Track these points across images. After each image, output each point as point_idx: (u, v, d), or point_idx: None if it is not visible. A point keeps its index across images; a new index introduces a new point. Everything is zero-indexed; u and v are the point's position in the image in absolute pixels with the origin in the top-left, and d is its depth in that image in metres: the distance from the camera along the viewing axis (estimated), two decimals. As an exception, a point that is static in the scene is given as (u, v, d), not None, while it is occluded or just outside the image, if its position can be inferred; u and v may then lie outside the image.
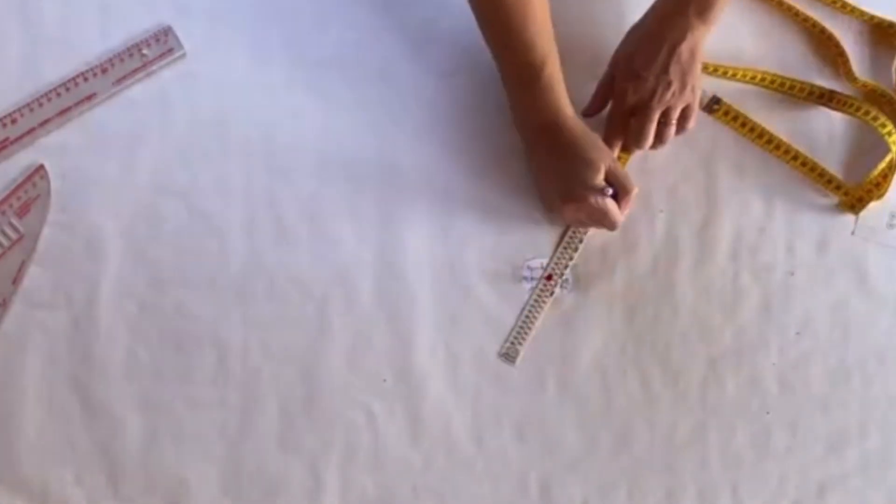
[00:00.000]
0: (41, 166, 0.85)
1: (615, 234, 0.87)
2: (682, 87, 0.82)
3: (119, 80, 0.86)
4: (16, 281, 0.84)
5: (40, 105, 0.85)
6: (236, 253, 0.85)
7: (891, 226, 0.89)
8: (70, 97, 0.85)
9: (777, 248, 0.88)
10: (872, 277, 0.88)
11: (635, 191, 0.82)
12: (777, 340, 0.87)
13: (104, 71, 0.86)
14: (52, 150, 0.85)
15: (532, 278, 0.86)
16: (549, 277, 0.86)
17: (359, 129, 0.87)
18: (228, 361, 0.84)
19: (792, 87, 0.89)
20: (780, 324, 0.87)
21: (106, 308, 0.84)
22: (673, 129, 0.84)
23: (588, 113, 0.87)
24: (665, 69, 0.81)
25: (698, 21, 0.81)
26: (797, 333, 0.87)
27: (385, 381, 0.85)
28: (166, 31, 0.86)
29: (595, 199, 0.81)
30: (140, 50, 0.86)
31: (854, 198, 0.88)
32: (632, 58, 0.83)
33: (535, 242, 0.87)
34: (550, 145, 0.83)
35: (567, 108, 0.82)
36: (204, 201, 0.86)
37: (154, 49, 0.86)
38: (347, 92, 0.88)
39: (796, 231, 0.88)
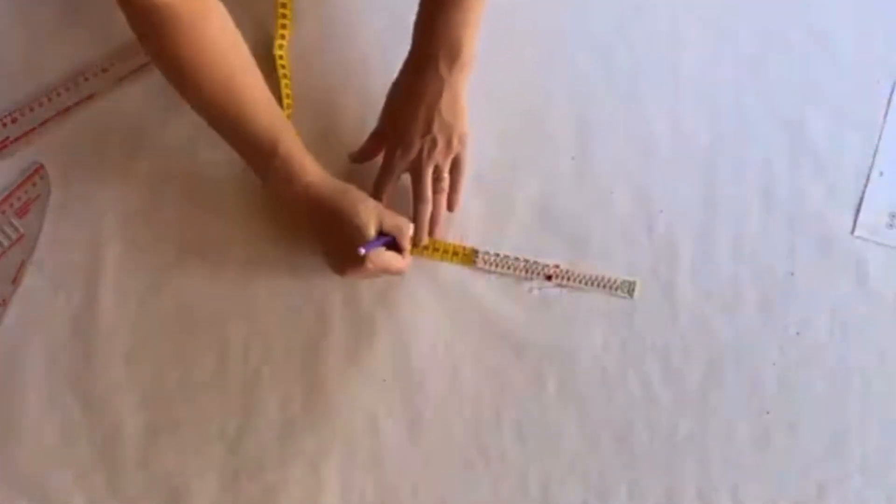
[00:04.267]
0: (41, 166, 0.85)
1: (616, 234, 0.87)
2: (448, 141, 0.81)
3: (119, 80, 0.86)
4: (16, 281, 0.84)
5: (40, 105, 0.85)
6: (236, 252, 0.85)
7: (891, 226, 0.89)
8: (70, 97, 0.86)
9: (777, 248, 0.88)
10: (872, 277, 0.88)
11: (411, 230, 0.82)
12: (777, 340, 0.87)
13: (104, 71, 0.86)
14: (52, 150, 0.85)
15: (532, 277, 0.86)
16: (549, 277, 0.86)
17: (358, 127, 0.87)
18: (228, 361, 0.84)
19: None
20: (780, 324, 0.87)
21: (106, 308, 0.84)
22: (446, 182, 0.83)
23: (357, 159, 0.85)
24: (428, 129, 0.80)
25: (450, 72, 0.79)
26: (797, 333, 0.87)
27: (385, 381, 0.85)
28: (166, 31, 0.86)
29: (370, 265, 0.78)
30: (140, 50, 0.86)
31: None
32: (396, 120, 0.81)
33: (534, 243, 0.87)
34: (312, 217, 0.80)
35: (313, 175, 0.79)
36: (204, 201, 0.86)
37: (154, 49, 0.86)
38: (348, 91, 0.88)
39: (796, 231, 0.88)
